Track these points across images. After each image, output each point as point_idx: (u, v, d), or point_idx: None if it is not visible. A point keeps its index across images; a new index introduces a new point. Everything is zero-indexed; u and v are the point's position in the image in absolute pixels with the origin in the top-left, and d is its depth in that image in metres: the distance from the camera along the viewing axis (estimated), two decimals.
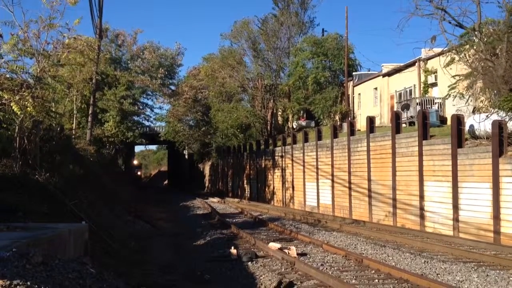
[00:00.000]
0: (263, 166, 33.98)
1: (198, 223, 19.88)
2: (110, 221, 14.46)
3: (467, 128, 16.22)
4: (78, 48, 17.10)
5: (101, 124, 30.90)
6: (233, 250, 11.69)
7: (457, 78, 18.00)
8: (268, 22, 41.80)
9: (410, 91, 29.76)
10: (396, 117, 19.22)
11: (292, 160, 28.50)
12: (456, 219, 15.35)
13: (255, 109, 42.23)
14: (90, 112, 25.04)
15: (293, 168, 28.42)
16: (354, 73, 38.27)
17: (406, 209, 17.88)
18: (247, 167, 37.66)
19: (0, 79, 11.35)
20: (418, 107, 25.53)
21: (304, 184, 26.70)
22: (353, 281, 8.97)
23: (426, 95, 28.01)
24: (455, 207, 15.42)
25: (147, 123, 42.77)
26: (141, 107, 38.97)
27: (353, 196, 21.58)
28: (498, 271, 9.76)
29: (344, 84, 36.79)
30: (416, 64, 28.93)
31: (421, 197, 17.07)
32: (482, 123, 15.52)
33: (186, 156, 61.51)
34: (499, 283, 8.85)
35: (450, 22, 17.03)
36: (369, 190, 20.25)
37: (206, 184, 54.61)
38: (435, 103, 26.52)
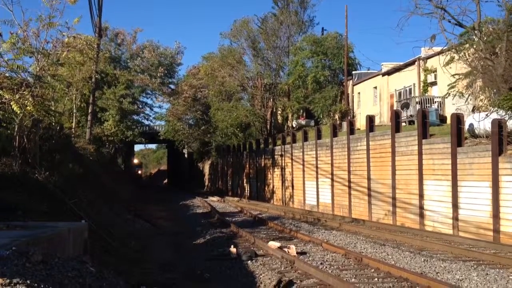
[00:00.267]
0: (262, 165, 33.99)
1: (198, 222, 19.89)
2: (109, 220, 14.46)
3: (466, 127, 16.23)
4: (78, 47, 17.09)
5: (100, 123, 30.90)
6: (233, 249, 11.69)
7: (457, 77, 18.02)
8: (267, 21, 41.78)
9: (410, 90, 29.77)
10: (395, 116, 19.23)
11: (292, 159, 28.51)
12: (455, 218, 15.36)
13: (255, 108, 42.23)
14: (89, 111, 25.04)
15: (293, 167, 28.43)
16: (353, 72, 38.26)
17: (406, 208, 17.89)
18: (247, 166, 37.67)
19: None
20: (418, 106, 25.56)
21: (303, 183, 26.71)
22: (353, 279, 8.97)
23: (426, 94, 28.04)
24: (455, 206, 15.43)
25: (146, 122, 42.82)
26: (140, 106, 39.00)
27: (353, 195, 21.59)
28: (497, 269, 9.76)
29: (344, 83, 36.78)
30: (416, 63, 28.95)
31: (421, 196, 17.08)
32: (481, 122, 15.53)
33: (186, 155, 61.52)
34: (498, 281, 8.86)
35: (449, 21, 17.06)
36: (369, 189, 20.26)
37: (206, 183, 54.62)
38: (435, 102, 26.55)
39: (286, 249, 11.47)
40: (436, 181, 16.47)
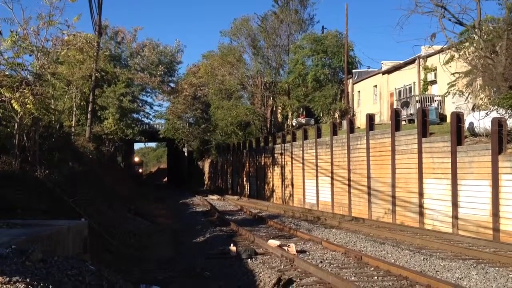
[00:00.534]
0: (262, 163, 33.99)
1: (197, 220, 19.90)
2: (109, 218, 14.46)
3: (466, 125, 16.22)
4: (78, 45, 17.06)
5: (100, 121, 30.83)
6: (233, 247, 11.70)
7: (457, 75, 18.01)
8: (267, 20, 41.73)
9: (410, 88, 29.76)
10: (395, 115, 19.22)
11: (292, 157, 28.51)
12: (455, 217, 15.37)
13: (255, 106, 42.22)
14: (89, 109, 24.99)
15: (293, 166, 28.43)
16: (353, 70, 38.24)
17: (406, 206, 17.90)
18: (247, 164, 37.67)
19: None
20: (418, 105, 25.56)
21: (303, 182, 26.71)
22: (353, 278, 8.98)
23: (426, 93, 28.03)
24: (455, 204, 15.43)
25: (146, 121, 42.65)
26: (140, 104, 38.87)
27: (353, 193, 21.60)
28: (497, 268, 9.77)
29: (344, 82, 36.76)
30: (416, 61, 28.94)
31: (421, 194, 17.09)
32: (481, 121, 15.52)
33: (186, 154, 61.49)
34: (498, 280, 8.86)
35: (450, 20, 17.07)
36: (369, 187, 20.26)
37: (206, 182, 54.63)
38: (435, 100, 26.55)
39: (285, 248, 11.48)
40: (436, 179, 16.47)
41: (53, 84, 13.88)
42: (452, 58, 18.33)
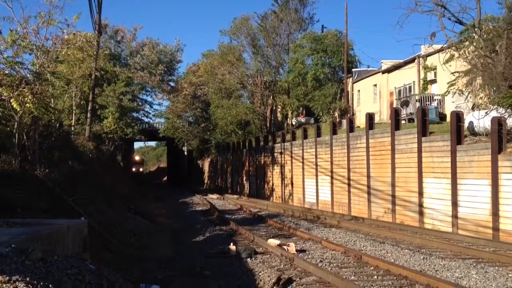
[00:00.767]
0: (262, 162, 33.99)
1: (197, 219, 19.91)
2: (109, 217, 14.47)
3: (466, 125, 16.22)
4: (77, 44, 17.05)
5: (100, 120, 30.83)
6: (232, 247, 11.71)
7: (457, 74, 17.99)
8: (267, 19, 41.71)
9: (410, 87, 29.77)
10: (395, 114, 19.22)
11: (291, 156, 28.50)
12: (455, 216, 15.37)
13: (255, 105, 42.20)
14: (89, 108, 24.98)
15: (292, 165, 28.42)
16: (353, 69, 38.24)
17: (405, 205, 17.90)
18: (247, 163, 37.66)
19: None
20: (418, 104, 25.56)
21: (303, 181, 26.71)
22: (352, 277, 8.98)
23: (426, 92, 28.03)
24: (454, 203, 15.43)
25: (146, 120, 42.69)
26: (140, 103, 38.91)
27: (352, 192, 21.59)
28: (497, 267, 9.77)
29: (344, 81, 36.76)
30: (416, 60, 28.93)
31: (420, 193, 17.09)
32: (481, 120, 15.52)
33: (186, 153, 61.48)
34: (498, 279, 8.86)
35: (449, 19, 17.05)
36: (368, 186, 20.26)
37: (205, 181, 54.61)
38: (435, 99, 26.55)
39: (285, 247, 11.49)
40: (436, 179, 16.47)
41: (52, 83, 13.88)
42: (452, 57, 18.31)
